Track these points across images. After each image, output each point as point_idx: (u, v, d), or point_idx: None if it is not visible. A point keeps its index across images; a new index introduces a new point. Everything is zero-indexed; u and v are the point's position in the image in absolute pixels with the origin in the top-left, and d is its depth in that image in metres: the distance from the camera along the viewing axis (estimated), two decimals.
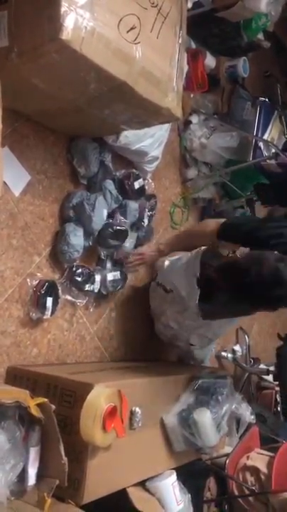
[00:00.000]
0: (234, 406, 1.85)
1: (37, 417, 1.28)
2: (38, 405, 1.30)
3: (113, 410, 1.38)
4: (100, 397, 1.36)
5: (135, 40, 1.38)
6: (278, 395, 3.30)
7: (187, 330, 2.02)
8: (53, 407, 1.29)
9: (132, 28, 1.37)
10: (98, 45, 1.26)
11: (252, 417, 1.95)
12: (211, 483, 2.12)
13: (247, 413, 1.93)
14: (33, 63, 1.27)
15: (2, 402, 1.18)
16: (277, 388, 3.30)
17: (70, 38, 1.19)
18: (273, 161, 2.42)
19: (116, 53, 1.32)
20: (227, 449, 2.14)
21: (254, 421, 2.00)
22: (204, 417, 1.74)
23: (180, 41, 1.61)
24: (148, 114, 1.59)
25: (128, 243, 2.06)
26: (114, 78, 1.35)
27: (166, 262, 1.99)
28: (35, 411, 1.26)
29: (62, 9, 1.17)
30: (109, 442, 1.40)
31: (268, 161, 2.44)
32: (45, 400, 1.30)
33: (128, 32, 1.36)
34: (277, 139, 2.67)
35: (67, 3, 1.18)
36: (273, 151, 2.46)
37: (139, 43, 1.39)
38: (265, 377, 3.41)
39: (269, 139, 2.59)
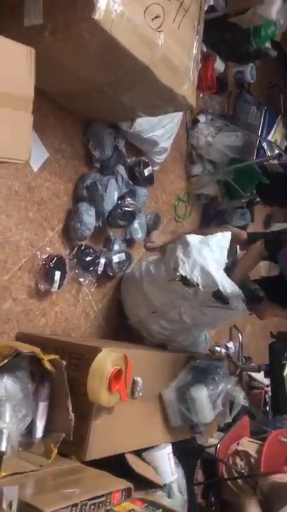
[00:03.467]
0: (229, 386, 1.92)
1: (48, 371, 1.34)
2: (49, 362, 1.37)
3: (118, 373, 1.46)
4: (107, 360, 1.44)
5: (159, 28, 1.48)
6: (267, 395, 3.37)
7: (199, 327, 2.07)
8: (64, 362, 1.36)
9: (156, 17, 1.47)
10: (126, 29, 1.36)
11: (245, 400, 2.02)
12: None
13: (241, 396, 2.00)
14: (64, 41, 1.37)
15: (20, 350, 1.25)
16: (266, 388, 3.38)
17: (102, 19, 1.28)
18: (275, 161, 2.53)
19: (141, 38, 1.42)
20: (216, 438, 2.21)
21: (247, 404, 2.07)
22: (201, 394, 1.81)
23: (197, 36, 1.72)
24: (164, 100, 1.69)
25: (140, 232, 2.18)
26: (137, 61, 1.45)
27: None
28: (47, 364, 1.33)
29: None
30: (113, 403, 1.47)
31: (270, 161, 2.55)
32: (56, 356, 1.37)
33: (153, 20, 1.46)
34: (280, 141, 2.79)
35: None
36: (277, 151, 2.58)
37: (162, 31, 1.50)
38: (255, 376, 3.49)
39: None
